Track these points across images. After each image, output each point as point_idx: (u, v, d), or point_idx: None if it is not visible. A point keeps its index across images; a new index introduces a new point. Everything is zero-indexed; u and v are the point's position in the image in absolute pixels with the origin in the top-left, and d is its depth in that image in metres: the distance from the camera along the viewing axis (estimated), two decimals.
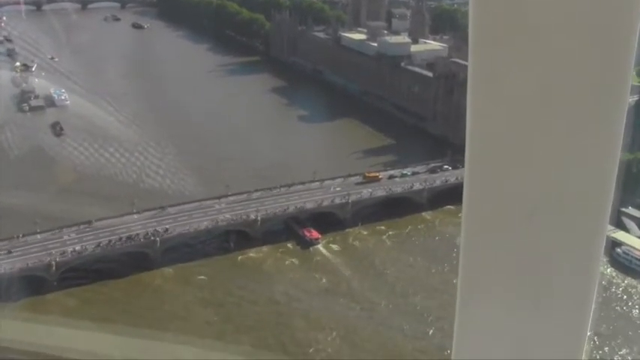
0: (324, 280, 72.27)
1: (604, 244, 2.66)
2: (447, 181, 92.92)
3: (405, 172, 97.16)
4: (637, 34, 2.38)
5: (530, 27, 2.40)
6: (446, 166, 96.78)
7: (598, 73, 2.42)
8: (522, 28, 2.41)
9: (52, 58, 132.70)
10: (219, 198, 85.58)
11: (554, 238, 2.67)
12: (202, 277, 71.95)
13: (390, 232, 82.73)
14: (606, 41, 2.38)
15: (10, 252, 71.74)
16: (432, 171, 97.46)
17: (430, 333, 64.11)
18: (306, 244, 79.95)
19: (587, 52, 2.40)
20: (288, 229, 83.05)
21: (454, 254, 76.37)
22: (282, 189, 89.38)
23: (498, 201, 2.67)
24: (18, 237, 73.90)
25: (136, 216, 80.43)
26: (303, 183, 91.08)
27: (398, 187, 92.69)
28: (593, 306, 2.75)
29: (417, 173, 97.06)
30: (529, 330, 2.85)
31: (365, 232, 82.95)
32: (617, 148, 2.53)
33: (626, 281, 73.31)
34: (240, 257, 76.91)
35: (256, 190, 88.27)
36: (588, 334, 2.84)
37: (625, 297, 71.02)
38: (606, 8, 2.33)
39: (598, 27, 2.36)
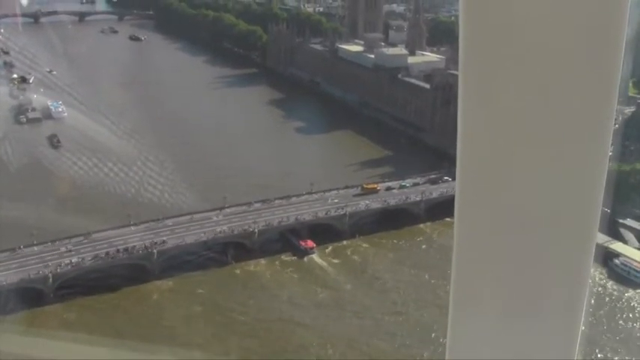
0: (323, 294, 72.02)
1: (594, 251, 2.69)
2: (446, 193, 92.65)
3: (404, 183, 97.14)
4: (623, 42, 2.40)
5: (519, 34, 2.41)
6: (446, 177, 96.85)
7: (586, 81, 2.43)
8: (511, 35, 2.42)
9: (51, 71, 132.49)
10: (216, 210, 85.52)
11: (545, 245, 2.69)
12: (200, 290, 71.68)
13: (389, 244, 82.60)
14: (594, 49, 2.40)
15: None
16: (433, 182, 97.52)
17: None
18: (302, 253, 79.87)
19: (575, 60, 2.42)
20: (285, 241, 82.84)
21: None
22: (279, 201, 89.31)
23: (489, 209, 2.70)
24: (20, 248, 73.92)
25: (133, 228, 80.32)
26: (300, 195, 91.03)
27: (396, 199, 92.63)
28: (583, 313, 2.78)
29: (417, 184, 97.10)
30: (521, 337, 2.88)
31: (365, 245, 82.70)
32: (606, 156, 2.54)
33: (627, 294, 73.06)
34: (237, 270, 76.65)
35: (254, 202, 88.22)
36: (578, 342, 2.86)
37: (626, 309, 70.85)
38: (593, 16, 2.35)
39: (585, 36, 2.38)
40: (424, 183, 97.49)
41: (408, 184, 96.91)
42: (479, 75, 2.52)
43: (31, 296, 68.31)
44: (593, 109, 2.48)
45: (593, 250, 2.69)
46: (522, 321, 2.85)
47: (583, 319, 2.80)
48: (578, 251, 2.70)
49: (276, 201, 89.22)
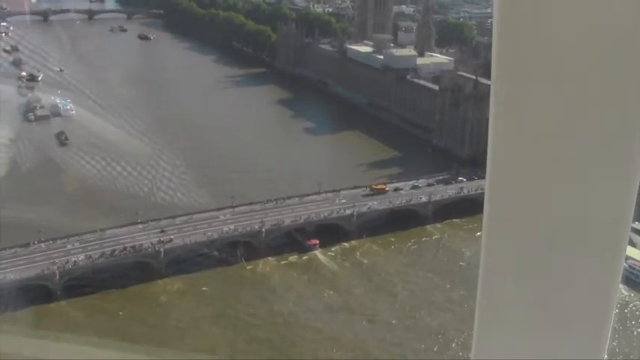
0: (330, 294, 71.75)
1: (622, 270, 2.69)
2: (461, 192, 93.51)
3: (416, 183, 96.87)
4: None
5: (553, 58, 2.43)
6: (460, 178, 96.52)
7: (617, 100, 2.44)
8: (545, 59, 2.44)
9: (61, 70, 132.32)
10: (223, 209, 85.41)
11: (574, 262, 2.68)
12: (205, 288, 71.53)
13: (397, 245, 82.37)
14: (625, 65, 2.40)
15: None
16: (446, 182, 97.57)
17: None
18: (306, 249, 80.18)
19: (606, 76, 2.42)
20: (292, 240, 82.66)
21: (459, 266, 76.24)
22: (287, 200, 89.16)
23: (518, 225, 2.69)
24: (30, 244, 74.19)
25: (140, 226, 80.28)
26: (308, 194, 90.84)
27: (404, 199, 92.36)
28: (610, 329, 2.77)
29: (432, 185, 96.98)
30: (547, 353, 2.85)
31: (374, 246, 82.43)
32: (637, 175, 2.54)
33: (636, 299, 72.49)
34: (245, 268, 76.49)
35: (261, 202, 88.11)
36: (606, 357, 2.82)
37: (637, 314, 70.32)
38: (628, 36, 2.36)
39: (617, 52, 2.38)
40: (437, 183, 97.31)
41: (420, 185, 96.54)
42: (511, 96, 2.52)
43: (38, 293, 68.30)
44: (625, 126, 2.46)
45: (622, 270, 2.68)
46: (548, 341, 2.82)
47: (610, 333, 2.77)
48: (606, 271, 2.68)
49: (284, 201, 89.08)
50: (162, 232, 79.37)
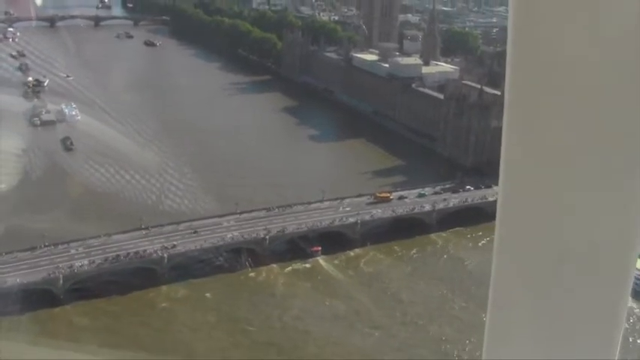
0: (334, 303, 71.56)
1: (632, 283, 2.71)
2: (466, 201, 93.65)
3: (423, 191, 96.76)
4: None
5: (567, 67, 2.45)
6: (468, 187, 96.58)
7: (630, 122, 2.45)
8: (559, 68, 2.46)
9: (67, 77, 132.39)
10: (227, 216, 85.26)
11: (583, 282, 2.71)
12: (208, 294, 71.48)
13: (401, 254, 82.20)
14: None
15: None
16: (454, 190, 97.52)
17: None
18: (308, 256, 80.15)
19: (620, 95, 2.42)
20: (295, 247, 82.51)
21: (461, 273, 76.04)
22: (291, 208, 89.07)
23: (529, 245, 2.73)
24: (40, 247, 74.38)
25: (144, 232, 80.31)
26: (312, 202, 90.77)
27: (408, 208, 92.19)
28: (619, 346, 2.79)
29: (439, 193, 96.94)
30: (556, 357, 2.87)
31: (379, 254, 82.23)
32: None
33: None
34: (248, 275, 76.38)
35: (266, 209, 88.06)
36: None
37: None
38: None
39: (634, 69, 2.40)
40: (444, 192, 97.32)
41: (426, 193, 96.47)
42: (524, 116, 2.56)
43: (41, 298, 68.28)
44: (636, 152, 2.49)
45: (630, 289, 2.72)
46: (557, 344, 2.84)
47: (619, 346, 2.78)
48: (615, 290, 2.71)
49: (288, 208, 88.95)
50: (165, 237, 79.30)
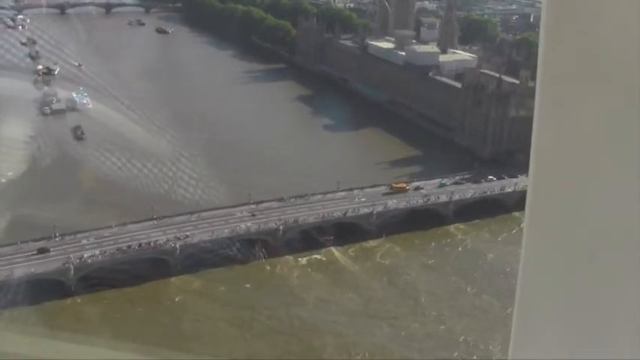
0: (350, 295, 69.98)
1: None
2: (484, 193, 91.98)
3: (443, 181, 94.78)
4: None
5: (600, 59, 2.45)
6: (490, 177, 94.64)
7: None
8: (592, 61, 2.46)
9: (79, 66, 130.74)
10: (240, 206, 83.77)
11: (615, 277, 2.62)
12: (222, 287, 70.00)
13: (418, 245, 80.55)
14: None
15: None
16: (475, 181, 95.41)
17: None
18: (322, 246, 78.86)
19: None
20: (309, 238, 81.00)
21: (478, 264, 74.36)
22: (305, 198, 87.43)
23: (559, 241, 2.70)
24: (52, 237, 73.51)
25: (155, 222, 78.94)
26: (327, 192, 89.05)
27: (426, 199, 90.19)
28: None
29: (460, 183, 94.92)
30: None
31: (395, 246, 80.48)
32: None
33: None
34: (263, 267, 74.90)
35: (279, 199, 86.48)
36: None
37: None
38: None
39: None
40: (466, 182, 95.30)
41: (447, 183, 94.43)
42: (556, 108, 2.54)
43: (51, 288, 67.20)
44: None
45: None
46: (587, 340, 2.73)
47: None
48: None
49: (302, 198, 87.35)
50: (177, 228, 77.81)
